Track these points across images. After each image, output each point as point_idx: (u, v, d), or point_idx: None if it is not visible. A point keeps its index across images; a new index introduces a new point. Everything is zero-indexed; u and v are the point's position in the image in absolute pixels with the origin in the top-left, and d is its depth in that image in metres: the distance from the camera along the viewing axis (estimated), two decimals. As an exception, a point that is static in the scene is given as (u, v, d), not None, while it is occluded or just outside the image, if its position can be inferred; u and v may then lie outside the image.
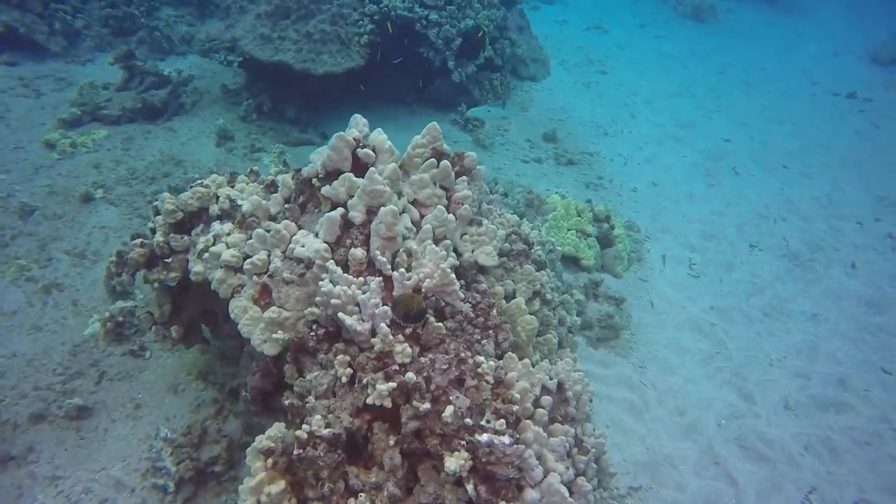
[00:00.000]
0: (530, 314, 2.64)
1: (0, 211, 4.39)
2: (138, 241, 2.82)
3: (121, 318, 3.53)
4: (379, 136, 2.45)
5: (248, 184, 2.81)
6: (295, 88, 6.19)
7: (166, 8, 8.18)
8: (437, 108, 6.85)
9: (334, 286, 2.12)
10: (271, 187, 2.74)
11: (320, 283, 2.17)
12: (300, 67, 5.64)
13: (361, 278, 2.19)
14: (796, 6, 14.20)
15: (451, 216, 2.42)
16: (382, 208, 2.20)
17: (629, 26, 12.21)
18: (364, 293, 2.10)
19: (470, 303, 2.39)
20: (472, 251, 2.55)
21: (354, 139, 2.41)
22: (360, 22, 5.99)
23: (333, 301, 2.10)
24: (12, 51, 7.03)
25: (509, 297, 2.72)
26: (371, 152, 2.39)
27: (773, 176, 6.67)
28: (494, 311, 2.44)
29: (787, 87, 9.56)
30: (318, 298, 2.19)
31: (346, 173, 2.36)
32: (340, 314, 2.08)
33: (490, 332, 2.38)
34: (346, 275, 2.16)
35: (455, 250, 2.52)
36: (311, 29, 5.73)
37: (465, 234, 2.57)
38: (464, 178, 2.55)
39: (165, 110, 6.02)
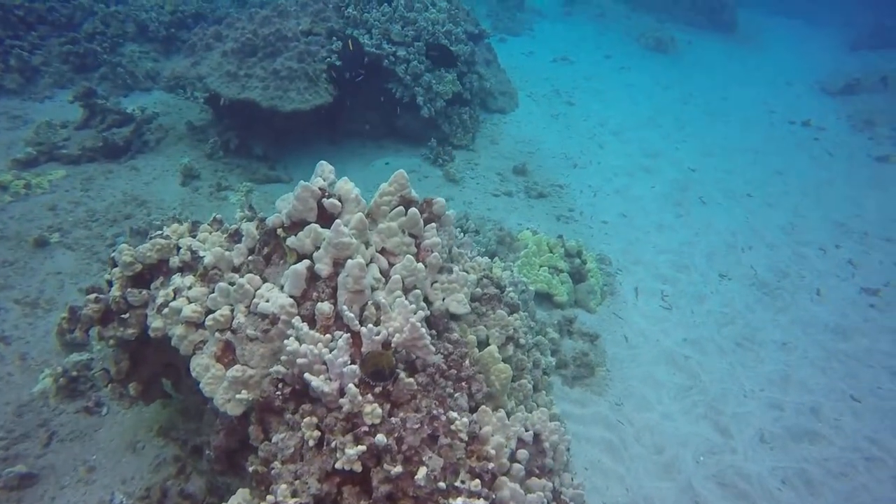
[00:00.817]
0: (504, 361, 2.57)
1: (-53, 259, 4.17)
2: (93, 296, 2.67)
3: (75, 373, 3.34)
4: (345, 186, 2.39)
5: (210, 233, 2.71)
6: (263, 125, 6.12)
7: (130, 44, 8.07)
8: (406, 142, 6.86)
9: (300, 344, 2.04)
10: (235, 237, 2.65)
11: (286, 340, 2.08)
12: (267, 105, 5.59)
13: (328, 335, 2.10)
14: (752, 39, 14.88)
15: (420, 265, 2.37)
16: (349, 261, 2.14)
17: (594, 57, 12.55)
18: (331, 351, 2.02)
19: (442, 353, 2.32)
20: (443, 299, 2.49)
21: (320, 189, 2.35)
22: (328, 59, 5.99)
23: (300, 360, 2.01)
24: (-35, 88, 6.82)
25: (482, 343, 2.66)
26: (337, 202, 2.33)
27: (739, 204, 6.83)
28: (467, 361, 2.38)
29: (747, 116, 9.90)
30: (283, 357, 2.10)
31: (312, 224, 2.29)
32: (307, 375, 1.99)
33: (463, 383, 2.31)
34: (312, 332, 2.08)
35: (426, 299, 2.46)
36: (278, 66, 5.70)
37: (436, 281, 2.52)
38: (433, 224, 2.50)
39: (128, 149, 5.87)
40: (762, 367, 4.47)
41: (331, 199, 2.32)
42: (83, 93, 5.86)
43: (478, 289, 2.87)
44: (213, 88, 5.72)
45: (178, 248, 2.64)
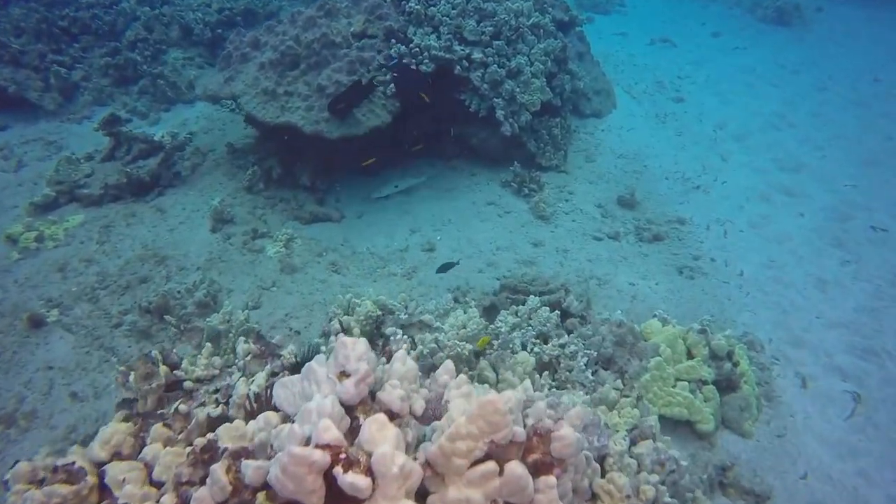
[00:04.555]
0: None
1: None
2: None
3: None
4: (382, 448, 1.21)
5: (164, 445, 1.64)
6: (310, 148, 5.07)
7: (174, 50, 7.28)
8: (483, 163, 5.60)
9: None
10: (200, 462, 1.55)
11: None
12: (311, 130, 4.52)
13: None
14: (899, 0, 12.20)
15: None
16: None
17: (700, 36, 10.63)
18: None
19: None
20: None
21: (329, 447, 1.19)
22: (386, 67, 4.82)
23: None
24: (3, 112, 6.26)
25: None
26: (363, 481, 1.16)
27: (927, 239, 5.08)
28: None
29: (911, 106, 7.81)
30: None
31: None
32: None
33: None
34: None
35: None
36: (323, 81, 4.60)
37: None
38: (551, 480, 1.29)
39: (156, 183, 5.02)
40: None
41: (352, 477, 1.15)
42: (106, 120, 5.04)
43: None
44: (249, 110, 4.71)
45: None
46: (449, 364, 1.66)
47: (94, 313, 3.72)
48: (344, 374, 1.47)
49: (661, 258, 4.60)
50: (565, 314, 3.52)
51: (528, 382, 1.71)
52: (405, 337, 3.08)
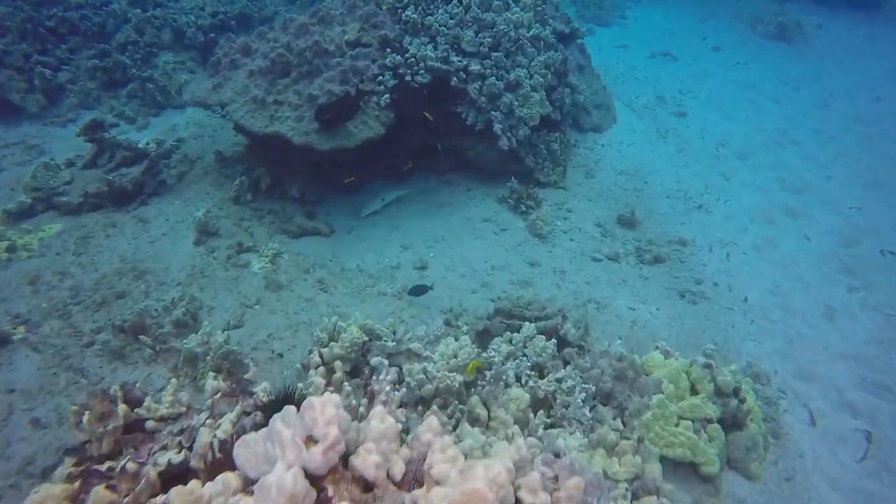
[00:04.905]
0: None
1: None
2: None
3: None
4: None
5: None
6: (300, 159, 4.88)
7: (165, 53, 7.09)
8: (479, 178, 5.43)
9: None
10: None
11: None
12: (300, 142, 4.34)
13: None
14: (900, 18, 12.18)
15: None
16: None
17: (701, 51, 10.53)
18: None
19: None
20: None
21: None
22: (380, 77, 4.65)
23: None
24: (-16, 113, 6.06)
25: None
26: None
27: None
28: None
29: (914, 125, 7.70)
30: None
31: None
32: None
33: None
34: None
35: None
36: (315, 91, 4.42)
37: None
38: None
39: (139, 192, 4.82)
40: None
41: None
42: (88, 126, 4.84)
43: None
44: (237, 119, 4.53)
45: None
46: (433, 422, 1.47)
47: (64, 331, 3.51)
48: (311, 440, 1.28)
49: (662, 281, 4.43)
50: (562, 342, 3.33)
51: (520, 441, 1.52)
52: (392, 368, 2.89)
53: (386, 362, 2.84)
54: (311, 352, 2.93)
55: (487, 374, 3.00)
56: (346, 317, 3.91)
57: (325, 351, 2.93)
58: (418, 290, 3.90)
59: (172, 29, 7.19)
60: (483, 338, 3.65)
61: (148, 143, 5.03)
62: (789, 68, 9.79)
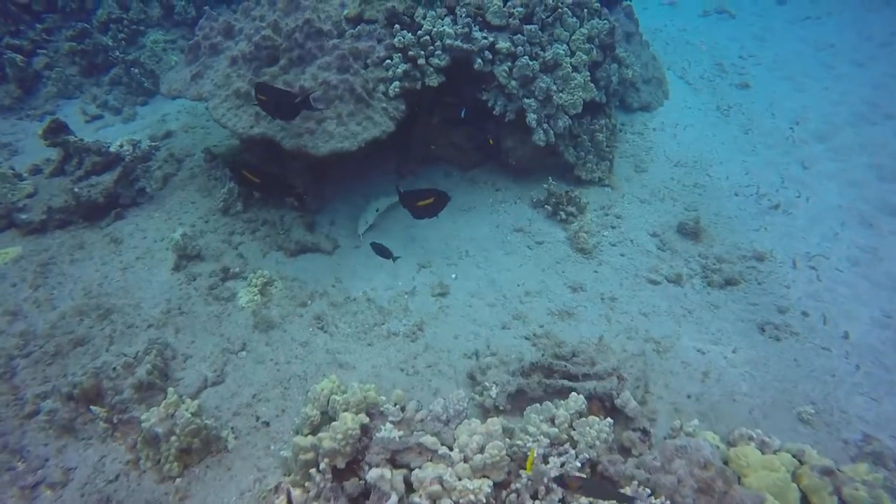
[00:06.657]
0: None
1: None
2: None
3: None
4: None
5: None
6: (298, 160, 4.13)
7: (154, 32, 6.32)
8: (509, 176, 4.59)
9: None
10: None
11: None
12: (291, 145, 3.57)
13: None
14: None
15: None
16: None
17: (762, 5, 9.21)
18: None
19: None
20: None
21: None
22: (389, 61, 3.81)
23: None
24: (-46, 107, 5.45)
25: None
26: None
27: None
28: None
29: None
30: None
31: None
32: None
33: None
34: None
35: None
36: (307, 81, 3.61)
37: None
38: None
39: (114, 204, 4.15)
40: None
41: None
42: (50, 128, 4.15)
43: None
44: (217, 118, 3.77)
45: None
46: None
47: (3, 396, 2.90)
48: None
49: (736, 310, 3.57)
50: (617, 413, 2.56)
51: None
52: (397, 476, 2.18)
53: (388, 475, 2.14)
54: (287, 476, 2.23)
55: (522, 473, 2.28)
56: (347, 366, 3.24)
57: (311, 456, 2.23)
58: (382, 252, 3.43)
59: (161, 3, 6.39)
60: (516, 400, 2.91)
61: (121, 146, 4.33)
62: (873, 21, 8.42)
